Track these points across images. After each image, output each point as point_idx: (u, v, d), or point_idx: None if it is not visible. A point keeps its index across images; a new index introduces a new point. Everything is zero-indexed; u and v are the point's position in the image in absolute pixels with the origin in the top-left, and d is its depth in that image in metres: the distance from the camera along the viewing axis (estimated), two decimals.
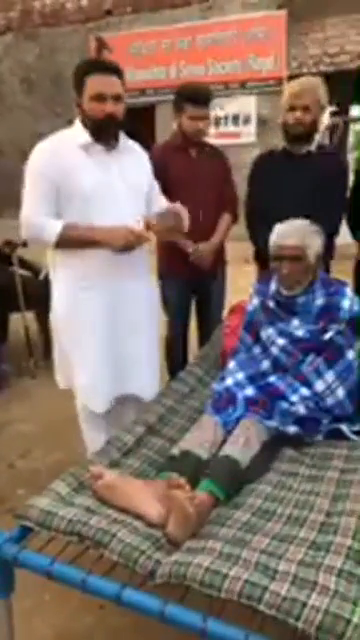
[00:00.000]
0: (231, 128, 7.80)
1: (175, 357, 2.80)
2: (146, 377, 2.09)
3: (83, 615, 1.66)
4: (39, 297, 3.58)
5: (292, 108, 2.31)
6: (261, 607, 1.07)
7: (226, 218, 2.62)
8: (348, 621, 1.02)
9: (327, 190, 2.34)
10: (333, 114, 10.08)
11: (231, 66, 7.67)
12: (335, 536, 1.27)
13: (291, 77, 7.27)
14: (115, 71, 1.79)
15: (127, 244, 1.80)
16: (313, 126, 2.35)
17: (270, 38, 7.29)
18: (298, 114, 2.30)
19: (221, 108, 7.82)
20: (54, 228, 1.79)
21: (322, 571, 1.15)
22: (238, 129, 7.79)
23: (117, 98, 1.78)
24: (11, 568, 1.30)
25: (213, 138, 7.88)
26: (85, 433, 2.19)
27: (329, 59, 7.07)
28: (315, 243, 1.87)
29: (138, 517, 1.37)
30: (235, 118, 7.82)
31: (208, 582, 1.12)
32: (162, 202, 2.13)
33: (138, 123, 6.64)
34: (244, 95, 7.69)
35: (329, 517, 1.38)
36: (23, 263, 3.69)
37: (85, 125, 1.84)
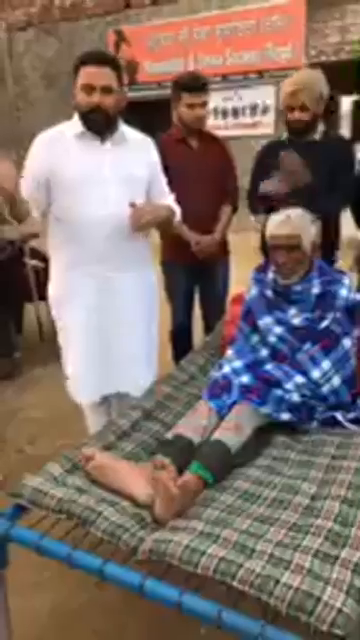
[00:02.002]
0: (249, 119, 7.75)
1: (180, 345, 2.83)
2: (141, 372, 2.10)
3: (79, 592, 1.73)
4: None
5: (290, 108, 2.31)
6: (234, 583, 1.10)
7: (227, 210, 2.64)
8: (318, 599, 1.04)
9: (333, 175, 2.34)
10: (356, 103, 9.92)
11: (249, 56, 7.61)
12: (317, 519, 1.29)
13: (311, 66, 7.18)
14: (108, 62, 1.81)
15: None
16: (314, 120, 2.35)
17: (289, 27, 7.20)
18: (296, 114, 2.31)
19: (239, 98, 7.78)
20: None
21: (299, 551, 1.17)
22: (256, 119, 7.73)
23: (106, 89, 1.80)
24: (4, 543, 1.36)
25: (231, 129, 7.86)
26: (89, 421, 2.25)
27: (349, 47, 6.94)
28: (310, 232, 1.88)
29: (127, 497, 1.41)
30: (253, 108, 7.76)
31: (186, 559, 1.16)
32: (165, 196, 2.12)
33: (157, 115, 6.67)
34: (262, 85, 7.63)
35: (313, 501, 1.40)
36: (36, 254, 3.77)
37: (78, 115, 1.88)
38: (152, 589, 1.14)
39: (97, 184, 1.86)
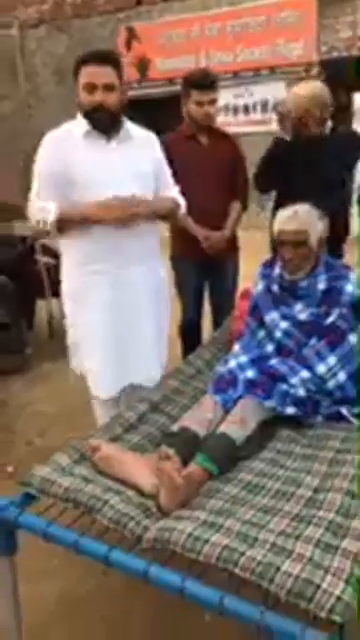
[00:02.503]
0: (259, 115, 7.73)
1: (189, 341, 2.85)
2: (152, 365, 2.12)
3: (86, 580, 1.76)
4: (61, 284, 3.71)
5: (302, 119, 2.39)
6: (236, 570, 1.13)
7: (236, 206, 2.65)
8: (318, 586, 1.07)
9: (341, 166, 2.39)
10: None
11: (260, 52, 7.59)
12: (319, 510, 1.31)
13: (321, 62, 7.16)
14: (109, 61, 1.84)
15: (115, 216, 1.83)
16: (324, 124, 2.43)
17: (300, 22, 7.17)
18: (310, 124, 2.40)
19: (250, 95, 7.77)
20: (50, 215, 1.85)
21: (300, 541, 1.19)
22: (267, 116, 7.72)
23: (108, 87, 1.82)
24: (13, 530, 1.40)
25: (242, 126, 7.85)
26: (98, 415, 2.28)
27: None
28: (317, 228, 1.89)
29: (132, 487, 1.44)
30: (264, 105, 7.74)
31: (189, 547, 1.19)
32: (169, 188, 2.15)
33: (168, 112, 6.69)
34: (274, 81, 7.61)
35: (316, 493, 1.42)
36: (47, 251, 3.82)
37: (82, 114, 1.91)
38: (156, 575, 1.17)
39: (106, 182, 1.88)
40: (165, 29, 8.28)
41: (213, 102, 2.48)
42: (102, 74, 1.82)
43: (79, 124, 1.92)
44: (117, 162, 1.92)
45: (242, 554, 1.15)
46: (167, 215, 2.12)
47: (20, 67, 9.85)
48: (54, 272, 3.70)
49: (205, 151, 2.57)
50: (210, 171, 2.54)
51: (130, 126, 1.99)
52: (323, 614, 1.03)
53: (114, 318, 2.00)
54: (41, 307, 3.78)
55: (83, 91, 1.84)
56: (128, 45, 8.55)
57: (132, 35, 8.53)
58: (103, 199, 1.85)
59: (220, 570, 1.15)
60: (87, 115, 1.87)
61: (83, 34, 9.03)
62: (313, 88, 2.44)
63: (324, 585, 1.07)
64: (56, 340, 3.74)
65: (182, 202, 2.16)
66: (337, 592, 1.05)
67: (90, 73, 1.82)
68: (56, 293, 3.74)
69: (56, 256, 3.92)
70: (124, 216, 1.85)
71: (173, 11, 8.19)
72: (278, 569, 1.11)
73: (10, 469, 2.42)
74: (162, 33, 8.28)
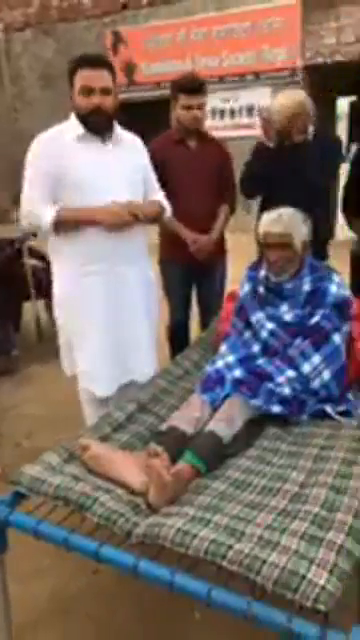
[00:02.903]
0: (245, 120, 7.81)
1: (177, 342, 2.88)
2: (146, 361, 2.18)
3: (77, 579, 1.78)
4: (49, 286, 3.72)
5: (286, 128, 2.45)
6: (224, 563, 1.16)
7: (224, 209, 2.69)
8: (303, 577, 1.10)
9: (324, 172, 2.44)
10: (353, 104, 9.98)
11: (246, 57, 7.67)
12: (304, 505, 1.35)
13: (306, 67, 7.26)
14: (104, 65, 1.88)
15: (117, 221, 1.88)
16: (306, 131, 2.49)
17: (285, 28, 7.26)
18: (294, 132, 2.47)
19: (235, 100, 7.84)
20: (49, 213, 1.89)
21: (286, 534, 1.22)
22: (252, 120, 7.79)
23: (104, 91, 1.86)
24: (3, 528, 1.41)
25: (228, 130, 7.90)
26: (87, 416, 2.30)
27: (344, 48, 7.01)
28: (302, 231, 1.94)
29: (122, 485, 1.47)
30: (249, 110, 7.83)
31: (178, 541, 1.22)
32: (155, 192, 2.20)
33: (154, 116, 6.73)
34: (259, 86, 7.69)
35: (302, 488, 1.45)
36: (34, 253, 3.82)
37: (78, 118, 1.93)
38: (145, 569, 1.20)
39: (103, 184, 1.93)
40: (151, 33, 8.32)
41: (201, 106, 2.52)
42: (99, 78, 1.86)
43: (72, 127, 1.94)
44: (112, 165, 1.96)
45: (230, 547, 1.18)
46: (155, 219, 2.16)
47: (5, 70, 9.83)
48: (42, 275, 3.73)
49: (193, 155, 2.61)
50: (198, 175, 2.57)
51: (119, 130, 2.03)
52: (308, 604, 1.06)
53: (109, 317, 2.03)
54: (27, 310, 3.78)
55: (79, 95, 1.87)
56: (115, 49, 8.58)
57: (118, 39, 8.56)
58: (103, 204, 1.90)
59: (208, 563, 1.18)
60: (84, 118, 1.90)
61: (69, 38, 9.04)
62: (296, 98, 2.48)
63: (309, 575, 1.10)
64: (44, 342, 3.75)
65: (167, 206, 2.22)
66: (322, 582, 1.08)
67: (86, 77, 1.85)
68: (43, 295, 3.78)
69: (43, 258, 3.96)
70: (122, 221, 1.90)
71: (159, 16, 8.24)
72: (265, 561, 1.14)
73: None
74: (148, 37, 8.32)
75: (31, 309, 3.75)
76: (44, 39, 9.28)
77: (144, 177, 2.11)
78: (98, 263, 1.99)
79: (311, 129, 2.50)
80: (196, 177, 2.57)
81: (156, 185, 2.21)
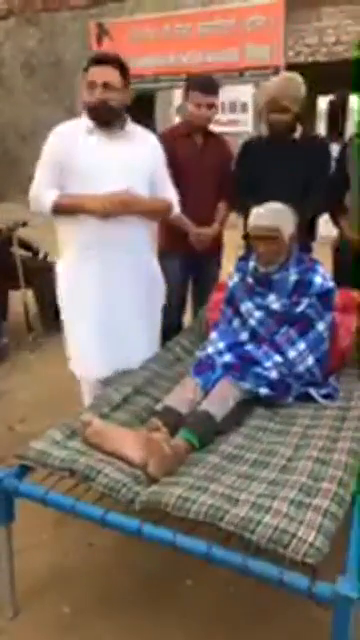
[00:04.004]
0: (228, 116, 7.92)
1: (170, 333, 2.94)
2: (142, 349, 2.24)
3: (74, 552, 1.88)
4: (38, 276, 3.79)
5: (271, 110, 2.47)
6: (222, 524, 1.27)
7: (225, 205, 2.79)
8: (293, 535, 1.22)
9: (311, 174, 2.51)
10: (331, 103, 10.16)
11: (229, 54, 7.77)
12: (293, 475, 1.47)
13: (288, 66, 7.39)
14: (109, 61, 1.98)
15: (104, 210, 1.98)
16: (294, 120, 2.51)
17: (268, 27, 7.39)
18: (278, 115, 2.46)
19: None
20: (50, 197, 2.04)
21: (277, 500, 1.35)
22: (235, 117, 7.91)
23: (106, 85, 1.96)
24: (12, 499, 1.50)
25: (212, 125, 7.97)
26: (86, 398, 2.38)
27: (325, 49, 7.18)
28: (289, 225, 2.05)
29: (123, 459, 1.56)
30: (232, 106, 7.94)
31: (179, 506, 1.33)
32: (165, 191, 2.24)
33: (137, 109, 6.79)
34: (241, 83, 7.80)
35: (290, 462, 1.58)
36: (23, 243, 3.87)
37: (86, 112, 2.05)
38: (150, 532, 1.30)
39: (103, 174, 2.02)
40: (135, 27, 8.35)
41: (211, 106, 2.61)
42: (101, 73, 1.96)
43: (84, 121, 2.06)
44: (114, 157, 2.04)
45: (227, 512, 1.30)
46: (155, 215, 2.23)
47: None
48: (29, 264, 3.79)
49: (199, 150, 2.70)
50: (203, 169, 2.66)
51: (132, 125, 2.12)
52: (298, 558, 1.18)
53: (101, 303, 2.12)
54: (18, 299, 3.82)
55: (86, 90, 1.99)
56: (99, 41, 8.58)
57: (103, 31, 8.56)
58: (92, 193, 1.99)
59: (207, 526, 1.29)
60: (89, 112, 2.02)
61: (53, 28, 9.01)
62: (284, 77, 2.55)
63: (299, 534, 1.22)
64: (33, 331, 3.80)
65: (176, 206, 2.28)
66: (310, 539, 1.21)
67: (92, 73, 1.98)
68: (30, 285, 3.82)
69: (31, 248, 4.01)
70: (105, 210, 1.99)
71: (144, 9, 8.27)
72: (259, 522, 1.26)
73: None
74: (133, 30, 8.35)
75: (20, 299, 3.79)
76: (28, 28, 9.22)
77: (151, 173, 2.16)
78: (92, 249, 2.08)
79: (299, 128, 2.58)
80: (200, 171, 2.66)
81: (168, 184, 2.26)
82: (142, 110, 7.47)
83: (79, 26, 8.78)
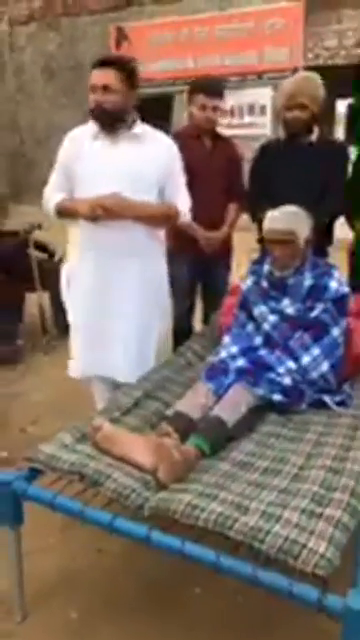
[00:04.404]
0: (246, 119, 7.90)
1: (181, 338, 2.93)
2: (127, 361, 2.17)
3: (82, 556, 1.87)
4: (54, 278, 3.79)
5: (289, 107, 2.43)
6: (231, 534, 1.25)
7: (235, 208, 2.77)
8: (304, 545, 1.19)
9: (328, 177, 2.47)
10: (350, 106, 10.05)
11: (248, 57, 7.75)
12: (304, 484, 1.45)
13: (307, 69, 7.34)
14: (110, 64, 1.96)
15: (92, 214, 1.98)
16: (312, 120, 2.46)
17: (287, 29, 7.35)
18: (295, 113, 2.41)
19: (236, 99, 7.92)
20: (54, 200, 2.13)
21: (288, 509, 1.32)
22: (253, 120, 7.89)
23: (105, 88, 1.95)
24: (21, 502, 1.49)
25: (228, 128, 7.96)
26: (97, 401, 2.38)
27: (345, 51, 7.11)
28: (304, 228, 2.02)
29: (133, 465, 1.55)
30: (250, 109, 7.91)
31: (188, 513, 1.31)
32: (175, 197, 2.17)
33: (155, 112, 6.80)
34: (260, 86, 7.78)
35: (302, 470, 1.55)
36: (39, 245, 3.89)
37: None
38: (157, 539, 1.29)
39: (104, 178, 2.02)
40: (154, 31, 8.38)
41: (216, 109, 2.59)
42: (101, 76, 1.96)
43: (92, 125, 2.07)
44: (115, 160, 2.04)
45: (236, 520, 1.27)
46: (155, 221, 2.16)
47: (9, 63, 9.85)
48: (45, 266, 3.80)
49: (208, 153, 2.69)
50: (211, 172, 2.65)
51: (145, 128, 2.10)
52: (309, 569, 1.15)
53: (92, 305, 2.16)
54: (33, 301, 3.85)
55: (89, 93, 1.99)
56: (118, 45, 8.63)
57: (122, 35, 8.61)
58: (85, 196, 2.03)
59: (216, 534, 1.27)
60: (90, 115, 2.03)
61: (74, 32, 9.08)
62: (302, 75, 2.52)
63: (310, 544, 1.20)
64: (48, 333, 3.82)
65: (186, 214, 2.22)
66: (321, 550, 1.18)
67: (93, 76, 1.98)
68: (45, 287, 3.84)
69: (47, 250, 4.03)
70: (93, 214, 1.98)
71: (163, 13, 8.30)
72: (269, 532, 1.23)
73: (4, 454, 2.51)
74: (152, 34, 8.38)
75: (36, 301, 3.82)
76: (48, 33, 9.32)
77: (161, 176, 2.11)
78: (90, 251, 2.13)
79: (316, 130, 2.54)
80: (209, 173, 2.64)
81: (180, 190, 2.20)
82: (159, 113, 7.50)
83: (99, 30, 8.84)
